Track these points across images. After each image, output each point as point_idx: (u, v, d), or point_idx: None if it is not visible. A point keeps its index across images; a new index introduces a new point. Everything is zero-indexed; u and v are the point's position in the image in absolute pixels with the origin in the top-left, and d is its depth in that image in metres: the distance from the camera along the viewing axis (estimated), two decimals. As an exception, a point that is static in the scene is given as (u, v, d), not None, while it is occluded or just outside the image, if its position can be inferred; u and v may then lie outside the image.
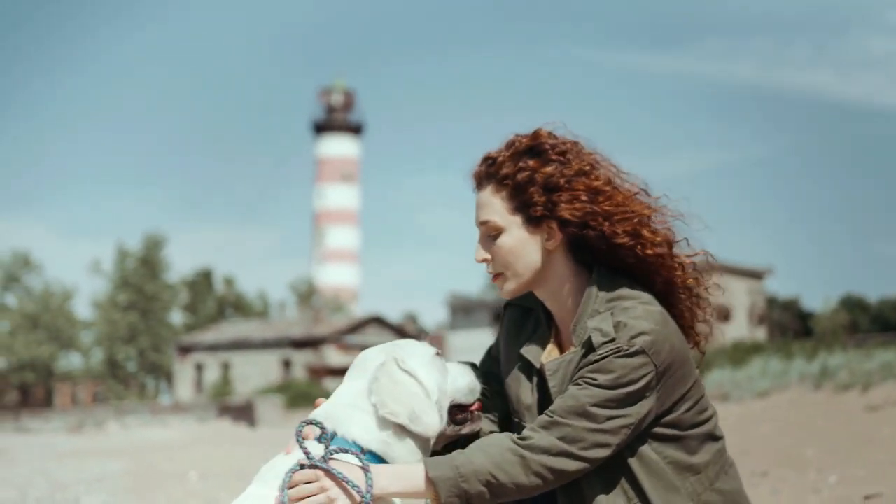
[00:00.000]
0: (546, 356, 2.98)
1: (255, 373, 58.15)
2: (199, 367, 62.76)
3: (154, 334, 71.08)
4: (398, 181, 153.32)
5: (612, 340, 2.73)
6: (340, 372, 52.14)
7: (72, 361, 73.65)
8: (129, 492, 13.46)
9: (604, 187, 2.85)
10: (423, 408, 2.80)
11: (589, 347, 2.78)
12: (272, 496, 2.66)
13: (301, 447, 2.69)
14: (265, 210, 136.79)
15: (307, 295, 73.26)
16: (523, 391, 3.02)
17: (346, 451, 2.69)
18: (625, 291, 2.84)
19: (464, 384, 2.94)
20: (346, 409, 2.82)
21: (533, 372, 3.01)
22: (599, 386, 2.71)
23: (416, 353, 2.90)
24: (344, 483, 2.64)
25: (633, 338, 2.72)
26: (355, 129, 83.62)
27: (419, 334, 65.88)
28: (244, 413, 37.83)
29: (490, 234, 2.93)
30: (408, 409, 2.77)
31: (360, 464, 2.68)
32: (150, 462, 18.87)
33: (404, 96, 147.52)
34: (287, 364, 58.37)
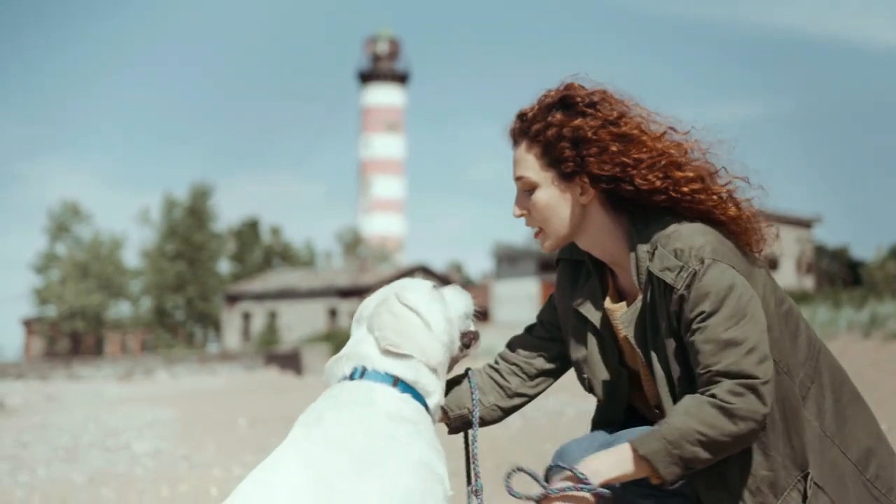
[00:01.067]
0: (608, 304, 3.02)
1: (301, 322, 58.55)
2: (247, 316, 63.30)
3: (202, 283, 71.67)
4: (444, 130, 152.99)
5: (683, 268, 2.75)
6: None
7: (121, 310, 74.54)
8: (179, 438, 13.65)
9: (631, 132, 2.86)
10: (426, 339, 2.89)
11: (666, 290, 2.78)
12: (312, 439, 2.72)
13: (540, 482, 2.77)
14: (312, 160, 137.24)
15: (353, 244, 73.46)
16: (579, 344, 3.09)
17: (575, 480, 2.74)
18: (661, 222, 2.86)
19: (461, 308, 3.05)
20: (364, 348, 2.91)
21: (588, 325, 3.06)
22: (711, 314, 2.71)
23: (414, 287, 3.00)
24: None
25: (697, 255, 2.75)
26: (401, 78, 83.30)
27: (464, 284, 65.98)
28: (291, 361, 38.11)
29: (526, 190, 2.98)
30: (412, 340, 2.86)
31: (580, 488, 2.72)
32: (199, 409, 19.10)
33: (450, 45, 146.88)
34: (333, 313, 58.73)
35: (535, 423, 11.47)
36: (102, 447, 12.82)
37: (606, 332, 3.02)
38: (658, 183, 2.83)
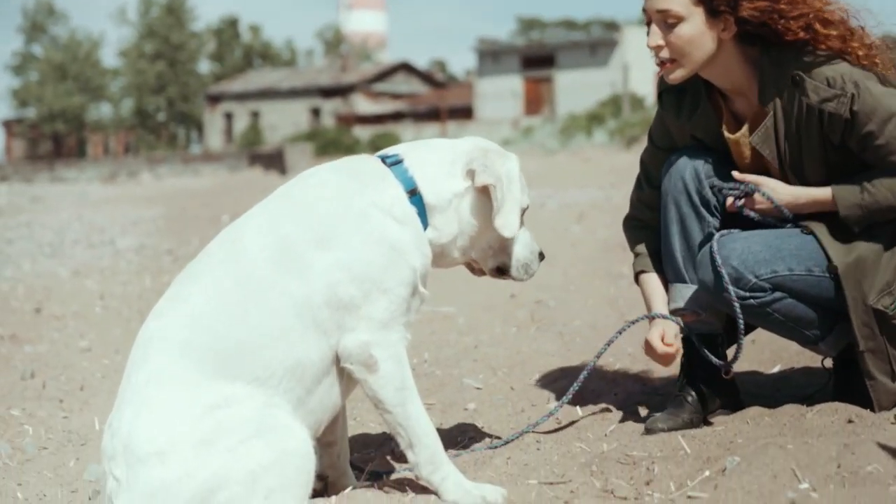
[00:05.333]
0: (728, 134, 3.28)
1: (283, 121, 58.13)
2: (229, 117, 62.81)
3: (182, 84, 70.78)
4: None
5: (840, 95, 3.01)
6: (369, 120, 52.05)
7: (102, 112, 73.84)
8: (163, 234, 13.72)
9: None
10: (516, 209, 2.84)
11: (823, 117, 3.05)
12: (289, 197, 2.74)
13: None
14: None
15: (335, 42, 72.31)
16: None
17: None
18: (795, 54, 3.08)
19: (526, 255, 2.99)
20: (422, 152, 2.86)
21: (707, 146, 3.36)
22: (884, 123, 2.99)
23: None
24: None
25: (850, 79, 3.02)
26: None
27: (447, 81, 65.39)
28: (274, 161, 38.00)
29: (667, 22, 3.12)
30: (506, 202, 2.81)
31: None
32: (183, 208, 19.14)
33: None
34: (316, 112, 58.27)
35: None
36: (87, 243, 12.88)
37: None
38: (801, 34, 3.06)
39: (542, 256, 3.03)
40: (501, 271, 2.99)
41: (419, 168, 2.82)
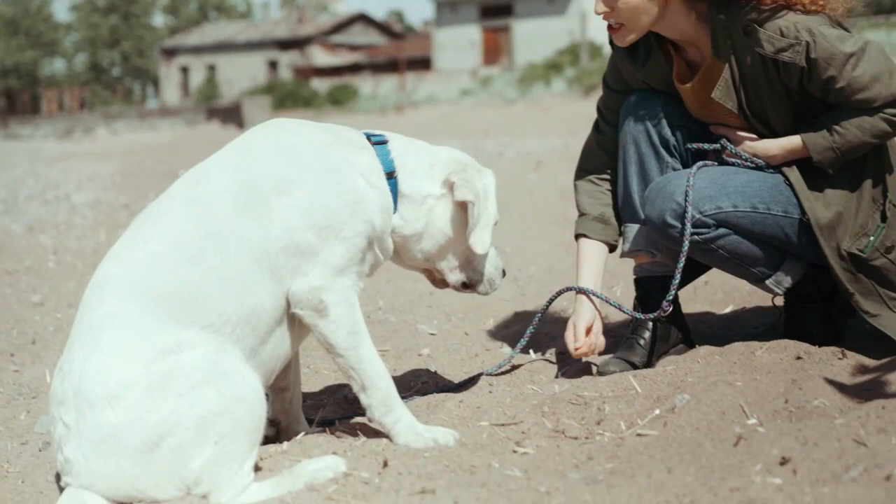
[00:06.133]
0: (679, 85, 3.29)
1: (240, 75, 57.59)
2: (185, 71, 62.14)
3: (136, 38, 69.91)
4: None
5: (795, 44, 3.02)
6: (326, 72, 51.67)
7: (56, 67, 72.86)
8: (119, 189, 13.60)
9: None
10: (490, 226, 2.83)
11: (777, 66, 3.06)
12: (260, 145, 2.69)
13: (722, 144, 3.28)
14: None
15: (290, -6, 71.55)
16: None
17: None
18: (744, 5, 3.09)
19: (493, 272, 3.00)
20: (412, 148, 2.86)
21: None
22: (842, 68, 2.99)
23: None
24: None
25: (803, 27, 3.01)
26: None
27: (405, 32, 64.93)
28: (232, 115, 37.70)
29: None
30: (482, 219, 2.81)
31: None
32: (139, 163, 18.97)
33: None
34: (273, 65, 57.78)
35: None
36: (41, 200, 12.76)
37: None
38: None
39: (503, 273, 3.05)
40: (466, 285, 2.99)
41: (402, 156, 2.81)
